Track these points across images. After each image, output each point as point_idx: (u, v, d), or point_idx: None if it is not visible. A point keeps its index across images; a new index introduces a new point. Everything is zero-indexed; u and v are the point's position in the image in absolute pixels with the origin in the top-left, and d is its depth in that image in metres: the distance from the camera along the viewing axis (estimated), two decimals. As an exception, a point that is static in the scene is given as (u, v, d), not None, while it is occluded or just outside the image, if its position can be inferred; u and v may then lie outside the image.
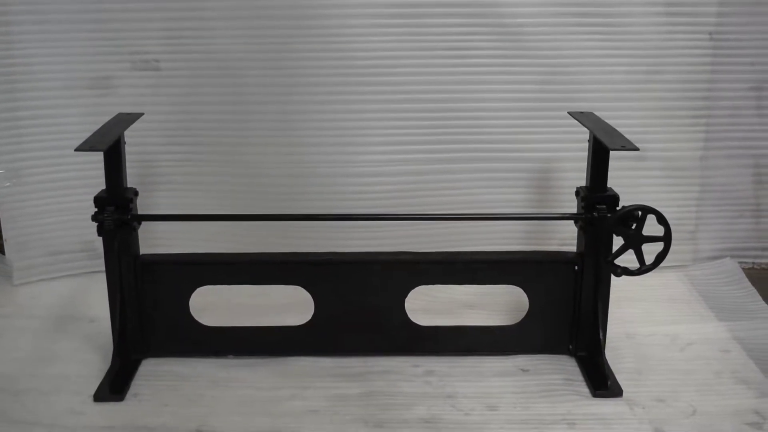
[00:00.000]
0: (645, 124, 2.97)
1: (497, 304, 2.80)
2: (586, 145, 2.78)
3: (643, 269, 2.38)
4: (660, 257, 2.37)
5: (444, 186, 3.02)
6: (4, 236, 2.98)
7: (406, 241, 3.03)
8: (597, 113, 2.74)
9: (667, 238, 2.36)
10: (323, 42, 2.88)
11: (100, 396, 2.33)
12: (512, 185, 3.02)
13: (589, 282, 2.46)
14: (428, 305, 2.79)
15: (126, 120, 2.47)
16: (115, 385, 2.35)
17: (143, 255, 2.48)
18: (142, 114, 2.58)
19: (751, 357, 2.54)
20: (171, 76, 2.91)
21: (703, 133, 3.00)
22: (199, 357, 2.52)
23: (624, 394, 2.35)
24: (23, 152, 2.93)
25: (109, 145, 2.23)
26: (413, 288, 2.50)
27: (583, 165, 2.87)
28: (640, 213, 2.34)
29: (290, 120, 2.95)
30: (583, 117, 2.54)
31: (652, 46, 2.90)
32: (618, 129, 2.91)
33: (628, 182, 3.02)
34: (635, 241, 2.36)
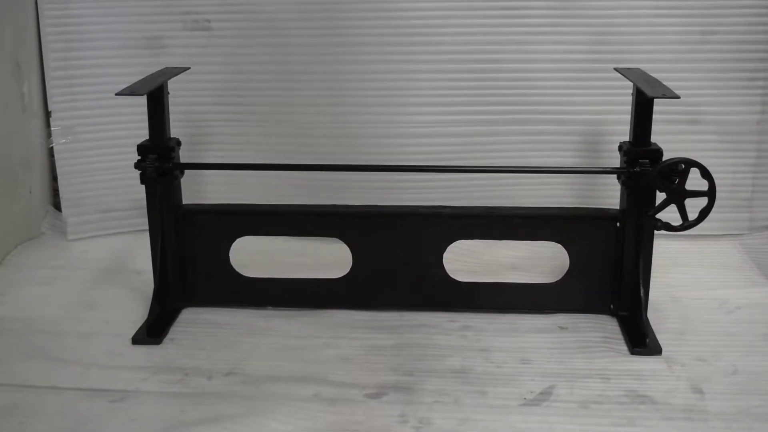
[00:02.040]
0: (698, 87, 2.89)
1: (542, 267, 2.75)
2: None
3: (686, 225, 2.33)
4: (704, 212, 2.31)
5: (492, 149, 2.98)
6: (60, 193, 3.06)
7: (450, 199, 2.99)
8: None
9: (711, 193, 2.29)
10: (371, 1, 2.88)
11: (138, 339, 2.37)
12: (562, 148, 2.97)
13: (631, 239, 2.41)
14: (472, 267, 2.77)
15: (171, 72, 2.51)
16: (153, 330, 2.40)
17: (185, 204, 2.52)
18: (188, 68, 2.62)
19: (801, 322, 2.45)
20: (221, 36, 2.95)
21: (759, 96, 2.90)
22: (239, 307, 2.55)
23: (663, 352, 2.29)
24: (78, 110, 3.01)
25: (150, 90, 2.27)
26: (452, 242, 2.48)
27: None
28: (683, 166, 2.28)
29: (337, 80, 2.96)
30: (628, 72, 2.48)
31: (707, 5, 2.82)
32: (670, 91, 2.85)
33: (681, 147, 2.92)
34: (678, 196, 2.30)
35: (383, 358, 2.29)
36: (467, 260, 2.81)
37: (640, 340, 2.32)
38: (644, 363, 2.25)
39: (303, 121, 3.00)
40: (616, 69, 2.54)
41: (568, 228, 2.46)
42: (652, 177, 2.29)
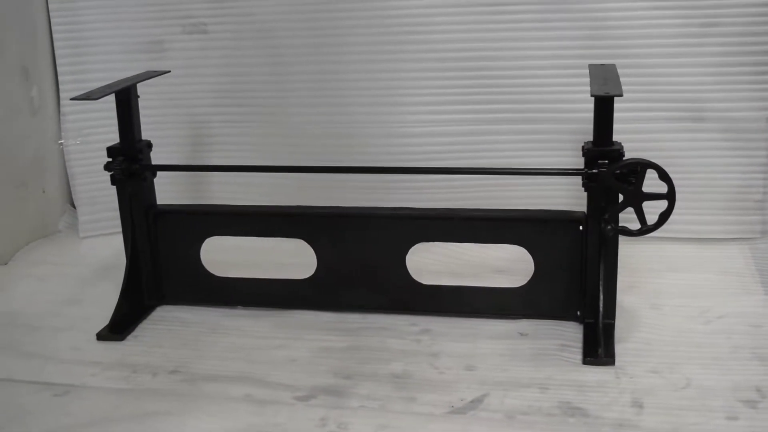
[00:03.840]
0: (702, 83, 2.74)
1: (530, 271, 2.67)
2: (637, 105, 2.66)
3: (644, 229, 2.21)
4: (663, 216, 2.19)
5: (485, 148, 2.93)
6: (72, 192, 3.19)
7: (446, 199, 2.95)
8: (646, 70, 2.67)
9: (670, 196, 2.17)
10: (362, 1, 2.87)
11: (102, 335, 2.45)
12: (557, 147, 2.87)
13: (594, 244, 2.30)
14: (456, 269, 2.73)
15: (144, 75, 2.58)
16: (116, 327, 2.47)
17: (157, 205, 2.58)
18: (168, 71, 2.68)
19: (784, 334, 2.29)
20: (217, 39, 3.01)
21: (768, 91, 2.73)
22: (210, 306, 2.60)
23: (618, 363, 2.19)
24: (89, 112, 3.12)
25: (102, 96, 2.33)
26: (414, 245, 2.44)
27: (632, 126, 2.72)
28: (639, 168, 2.16)
29: (330, 80, 2.97)
30: (596, 69, 2.37)
31: (706, -4, 2.67)
32: (671, 88, 2.73)
33: (685, 146, 2.83)
34: (634, 199, 2.19)
35: (329, 361, 2.28)
36: (454, 262, 2.76)
37: (593, 349, 2.22)
38: (592, 374, 2.15)
39: (299, 122, 3.03)
40: (589, 66, 2.44)
41: (531, 231, 2.38)
42: (605, 178, 2.18)
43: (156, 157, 2.89)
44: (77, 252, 3.09)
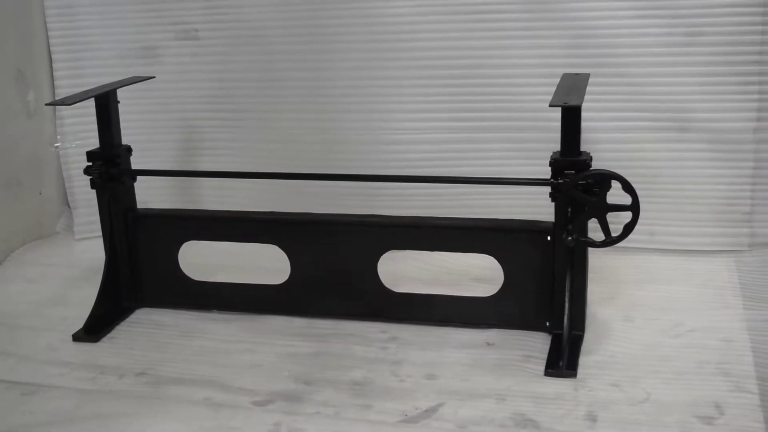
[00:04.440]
0: (687, 92, 2.70)
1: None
2: (622, 114, 2.64)
3: (608, 240, 2.19)
4: (628, 228, 2.17)
5: (472, 156, 2.92)
6: (68, 194, 3.25)
7: (434, 206, 2.94)
8: (631, 79, 2.68)
9: (635, 208, 2.14)
10: (349, 8, 2.89)
11: (77, 336, 2.49)
12: (543, 156, 2.82)
13: (560, 255, 2.29)
14: (434, 277, 2.72)
15: (127, 81, 2.62)
16: (91, 328, 2.51)
17: (137, 209, 2.61)
18: (153, 77, 2.72)
19: (753, 350, 2.24)
20: (209, 45, 3.05)
21: (755, 101, 2.67)
22: (187, 309, 2.62)
23: (580, 375, 2.17)
24: (85, 115, 3.14)
25: (77, 102, 2.38)
26: (384, 252, 2.45)
27: (620, 136, 2.71)
28: (601, 178, 2.14)
29: (319, 87, 2.99)
30: (569, 78, 2.35)
31: (691, 4, 2.63)
32: (656, 97, 2.70)
33: (671, 156, 2.80)
34: (598, 210, 2.17)
35: (293, 366, 2.30)
36: (432, 269, 2.76)
37: (555, 361, 2.20)
38: (551, 385, 2.14)
39: (289, 128, 3.05)
40: (563, 75, 2.42)
41: (499, 241, 2.36)
42: (567, 189, 2.17)
43: (148, 161, 2.94)
44: (71, 253, 3.15)
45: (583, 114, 2.74)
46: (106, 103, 2.51)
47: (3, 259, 3.07)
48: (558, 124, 2.80)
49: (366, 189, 2.98)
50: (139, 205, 2.71)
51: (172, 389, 2.21)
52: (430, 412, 2.06)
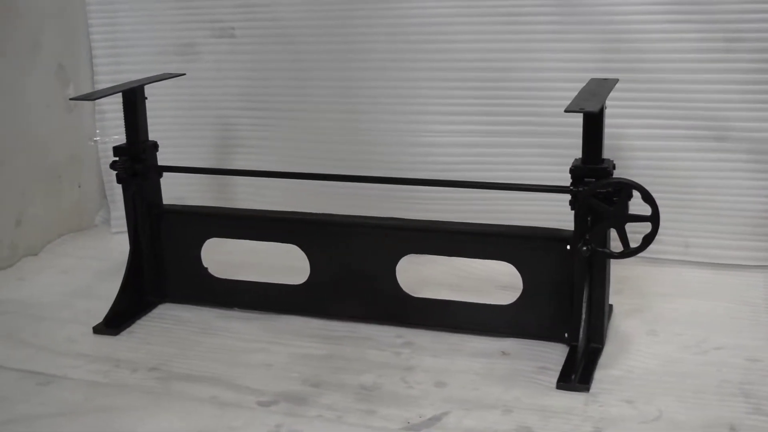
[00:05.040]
0: (725, 100, 2.61)
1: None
2: (657, 122, 2.58)
3: (627, 252, 2.12)
4: (647, 239, 2.09)
5: (500, 161, 2.87)
6: (106, 188, 3.30)
7: (458, 211, 2.89)
8: (667, 86, 2.61)
9: (654, 218, 2.07)
10: (380, 9, 2.87)
11: (97, 329, 2.52)
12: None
13: (580, 264, 2.23)
14: (458, 282, 2.69)
15: (156, 78, 2.63)
16: (111, 321, 2.53)
17: (162, 204, 2.63)
18: (183, 74, 2.73)
19: (779, 370, 2.15)
20: (244, 43, 3.06)
21: (796, 111, 2.57)
22: (209, 306, 2.63)
23: (593, 390, 2.11)
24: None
25: (102, 97, 2.40)
26: (402, 256, 2.42)
27: (655, 144, 2.65)
28: (619, 187, 2.08)
29: (349, 87, 2.98)
30: (595, 83, 2.29)
31: (730, 9, 2.54)
32: (692, 104, 2.63)
33: (707, 166, 2.71)
34: (616, 220, 2.10)
35: (303, 368, 2.28)
36: (458, 275, 2.72)
37: (567, 374, 2.14)
38: (562, 399, 2.08)
39: (320, 128, 3.05)
40: (590, 80, 2.36)
41: (518, 248, 2.31)
42: (584, 197, 2.11)
43: (184, 157, 2.98)
44: (105, 246, 3.19)
45: (617, 121, 2.70)
46: (133, 99, 2.53)
47: (40, 249, 3.12)
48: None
49: (393, 192, 2.95)
50: (176, 201, 2.74)
51: (180, 385, 2.22)
52: (433, 420, 2.02)
